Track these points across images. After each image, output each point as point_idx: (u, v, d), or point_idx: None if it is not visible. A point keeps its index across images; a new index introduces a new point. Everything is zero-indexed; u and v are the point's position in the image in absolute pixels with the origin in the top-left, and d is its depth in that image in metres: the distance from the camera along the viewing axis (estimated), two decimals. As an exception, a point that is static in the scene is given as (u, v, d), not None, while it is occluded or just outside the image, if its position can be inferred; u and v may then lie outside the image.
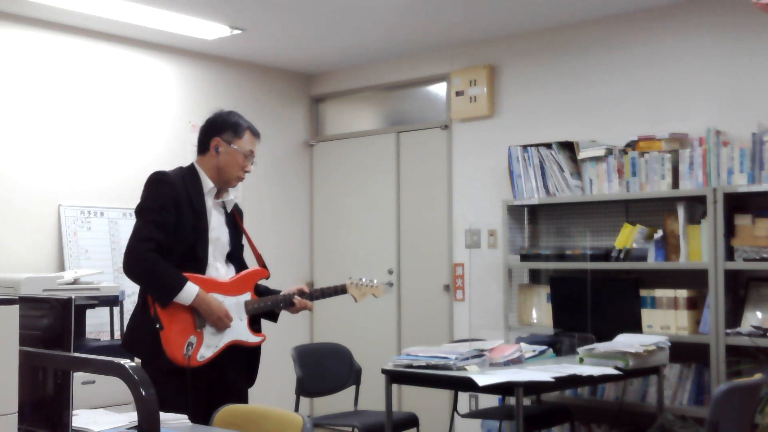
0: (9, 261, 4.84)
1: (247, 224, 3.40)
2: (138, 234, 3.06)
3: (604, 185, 4.80)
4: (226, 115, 3.27)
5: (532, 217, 5.29)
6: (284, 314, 3.38)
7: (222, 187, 3.26)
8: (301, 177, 6.62)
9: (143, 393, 1.57)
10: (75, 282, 4.51)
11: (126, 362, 1.63)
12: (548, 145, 5.01)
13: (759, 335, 4.10)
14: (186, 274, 3.05)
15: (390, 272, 6.14)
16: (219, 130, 3.23)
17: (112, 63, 5.45)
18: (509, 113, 5.55)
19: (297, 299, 3.29)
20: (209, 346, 3.09)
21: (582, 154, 4.88)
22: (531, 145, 5.08)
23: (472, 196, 5.69)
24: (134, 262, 3.04)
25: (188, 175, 3.19)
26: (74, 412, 1.88)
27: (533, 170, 5.05)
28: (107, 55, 5.42)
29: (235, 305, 3.17)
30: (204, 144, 3.25)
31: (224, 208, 3.28)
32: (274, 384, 6.06)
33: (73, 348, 1.83)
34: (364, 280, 3.50)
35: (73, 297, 1.86)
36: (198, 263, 3.12)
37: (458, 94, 5.71)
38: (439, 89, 6.03)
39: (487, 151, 5.59)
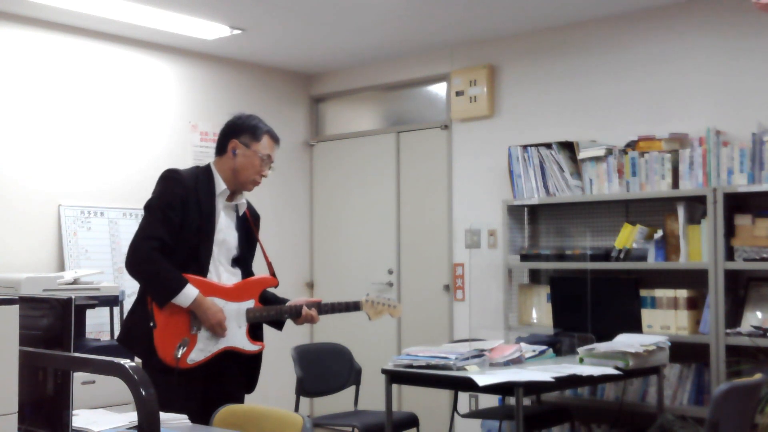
0: (9, 261, 4.84)
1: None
2: (143, 231, 3.04)
3: (604, 185, 4.80)
4: (246, 118, 3.24)
5: (532, 217, 5.29)
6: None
7: (236, 191, 3.22)
8: (301, 177, 6.63)
9: (143, 393, 1.57)
10: (75, 282, 4.51)
11: (126, 362, 1.63)
12: (548, 145, 5.01)
13: (759, 335, 4.10)
14: (188, 276, 3.03)
15: (390, 272, 6.14)
16: (237, 132, 3.20)
17: (112, 63, 5.45)
18: (509, 113, 5.55)
19: (305, 310, 3.22)
20: (202, 350, 3.05)
21: (582, 154, 4.88)
22: (531, 145, 5.08)
23: (472, 196, 5.69)
24: (136, 260, 3.02)
25: (202, 175, 3.16)
26: (74, 412, 1.88)
27: (533, 170, 5.05)
28: (107, 55, 5.42)
29: (236, 312, 3.12)
30: (222, 145, 3.22)
31: (236, 211, 3.24)
32: (274, 384, 6.06)
33: (73, 348, 1.83)
34: (381, 297, 3.40)
35: (73, 297, 1.86)
36: (200, 264, 3.09)
37: (458, 94, 5.71)
38: (439, 89, 6.03)
39: (487, 151, 5.59)
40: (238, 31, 5.35)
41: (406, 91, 6.26)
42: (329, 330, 6.30)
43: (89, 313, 4.63)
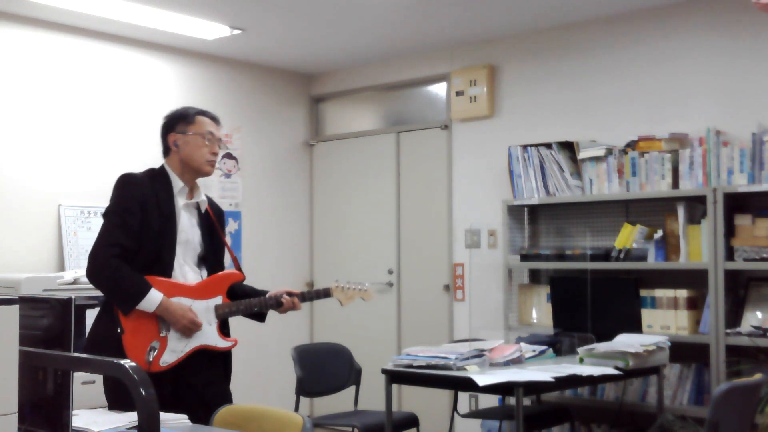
0: (9, 261, 4.84)
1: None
2: (102, 239, 3.00)
3: (604, 185, 4.80)
4: (173, 111, 3.23)
5: (532, 217, 5.29)
6: (281, 316, 3.33)
7: (193, 186, 3.19)
8: (301, 177, 6.62)
9: (143, 393, 1.57)
10: (75, 282, 4.51)
11: (126, 362, 1.63)
12: (548, 145, 5.01)
13: (759, 335, 4.10)
14: (151, 278, 2.98)
15: (390, 272, 6.14)
16: (171, 126, 3.19)
17: (112, 63, 5.45)
18: (509, 113, 5.55)
19: (286, 299, 3.22)
20: (174, 351, 3.01)
21: (582, 154, 4.88)
22: (531, 145, 5.08)
23: (472, 196, 5.69)
24: (97, 269, 2.98)
25: (158, 176, 3.13)
26: (74, 412, 1.88)
27: (533, 170, 5.05)
28: (107, 55, 5.42)
29: (204, 309, 3.09)
30: (165, 146, 3.21)
31: (198, 209, 3.21)
32: (274, 384, 6.07)
33: (73, 348, 1.83)
34: (351, 283, 3.39)
35: (73, 297, 1.86)
36: (164, 266, 3.04)
37: (458, 94, 5.71)
38: (439, 89, 6.03)
39: (487, 151, 5.59)
40: (238, 31, 5.35)
41: (406, 91, 6.26)
42: (329, 330, 6.31)
43: (89, 313, 4.62)
